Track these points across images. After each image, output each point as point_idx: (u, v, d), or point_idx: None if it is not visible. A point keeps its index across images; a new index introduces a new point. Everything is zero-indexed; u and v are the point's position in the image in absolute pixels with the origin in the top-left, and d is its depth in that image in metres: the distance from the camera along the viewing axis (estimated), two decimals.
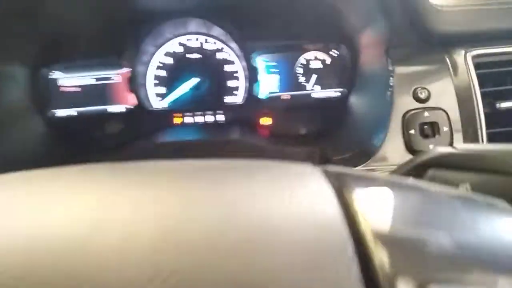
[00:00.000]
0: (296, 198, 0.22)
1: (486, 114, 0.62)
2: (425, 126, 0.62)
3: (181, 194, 0.21)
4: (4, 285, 0.16)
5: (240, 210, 0.20)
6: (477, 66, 0.65)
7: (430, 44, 0.67)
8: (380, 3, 0.66)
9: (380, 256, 0.18)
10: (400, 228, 0.21)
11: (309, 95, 0.91)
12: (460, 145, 0.36)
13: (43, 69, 0.88)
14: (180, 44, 0.90)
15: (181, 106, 0.90)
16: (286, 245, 0.18)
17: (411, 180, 0.25)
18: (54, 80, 0.88)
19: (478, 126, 0.62)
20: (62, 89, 0.90)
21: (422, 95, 0.63)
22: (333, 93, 0.90)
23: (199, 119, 0.90)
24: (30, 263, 0.17)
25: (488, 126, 0.62)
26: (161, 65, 0.90)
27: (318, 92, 0.90)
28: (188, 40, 0.90)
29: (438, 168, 0.36)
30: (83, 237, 0.18)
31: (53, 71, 0.89)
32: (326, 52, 0.90)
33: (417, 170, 0.37)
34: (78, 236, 0.18)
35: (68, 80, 0.89)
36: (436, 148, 0.37)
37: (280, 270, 0.17)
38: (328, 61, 0.90)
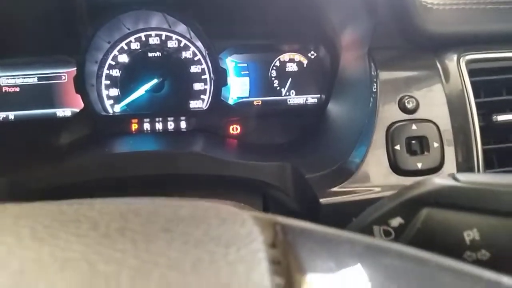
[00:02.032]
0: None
1: (481, 128, 0.54)
2: (413, 141, 0.54)
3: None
4: None
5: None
6: (471, 73, 0.57)
7: (419, 47, 0.59)
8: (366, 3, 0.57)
9: None
10: None
11: (283, 101, 0.82)
12: (465, 176, 0.27)
13: None
14: (138, 40, 0.79)
15: (138, 111, 0.79)
16: None
17: (394, 247, 0.16)
18: None
19: (473, 142, 0.53)
20: (4, 89, 0.79)
21: (410, 105, 0.55)
22: (310, 99, 0.81)
23: (159, 126, 0.79)
24: None
25: (483, 141, 0.54)
26: (114, 64, 0.79)
27: (293, 98, 0.81)
28: (147, 36, 0.79)
29: (436, 206, 0.27)
30: None
31: None
32: (304, 54, 0.81)
33: (408, 207, 0.28)
34: None
35: (8, 79, 0.78)
36: (433, 179, 0.28)
37: None
38: (305, 64, 0.81)
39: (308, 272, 0.15)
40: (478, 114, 0.56)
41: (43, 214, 0.19)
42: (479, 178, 0.28)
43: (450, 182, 0.27)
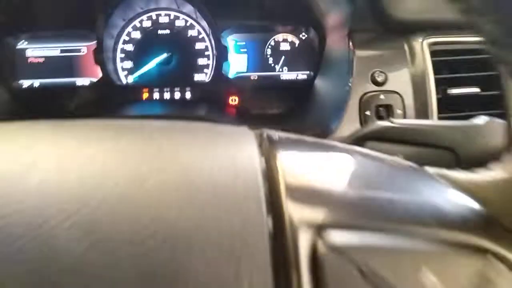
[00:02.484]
0: (221, 151, 0.23)
1: (438, 100, 0.66)
2: (380, 108, 0.65)
3: (111, 145, 0.23)
4: None
5: (164, 159, 0.22)
6: (433, 54, 0.68)
7: (390, 30, 0.70)
8: None
9: (289, 209, 0.20)
10: (313, 183, 0.22)
11: (277, 76, 0.92)
12: (397, 120, 0.39)
13: (9, 38, 0.86)
14: (149, 19, 0.89)
15: (148, 82, 0.90)
16: (203, 189, 0.20)
17: (337, 143, 0.27)
18: (22, 50, 0.87)
19: (430, 110, 0.65)
20: (30, 60, 0.89)
21: (380, 79, 0.66)
22: (300, 75, 0.92)
23: (167, 95, 0.90)
24: None
25: (439, 110, 0.65)
26: (128, 39, 0.89)
27: (285, 74, 0.92)
28: (157, 15, 0.89)
29: (376, 140, 0.39)
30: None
31: (22, 41, 0.87)
32: (296, 34, 0.91)
33: (358, 142, 0.40)
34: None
35: (34, 51, 0.88)
36: (376, 122, 0.40)
37: (194, 209, 0.19)
38: (297, 43, 0.92)
39: (281, 151, 0.25)
40: (437, 88, 0.67)
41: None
42: (407, 121, 0.39)
43: (387, 124, 0.38)
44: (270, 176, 0.21)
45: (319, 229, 0.19)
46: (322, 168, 0.24)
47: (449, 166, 0.37)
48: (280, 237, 0.19)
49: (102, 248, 0.16)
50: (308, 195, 0.21)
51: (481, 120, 0.38)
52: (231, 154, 0.23)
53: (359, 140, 0.39)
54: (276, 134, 0.28)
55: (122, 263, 0.16)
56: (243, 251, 0.17)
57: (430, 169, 0.26)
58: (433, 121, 0.38)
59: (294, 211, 0.20)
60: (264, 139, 0.26)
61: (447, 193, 0.23)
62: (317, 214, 0.20)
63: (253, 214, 0.19)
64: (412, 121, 0.38)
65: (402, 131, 0.38)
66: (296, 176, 0.22)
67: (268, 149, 0.24)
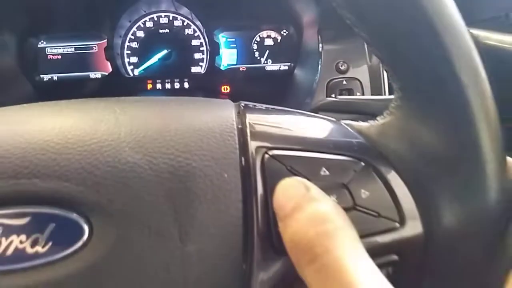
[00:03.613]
0: (205, 112, 0.29)
1: (389, 84, 0.81)
2: (343, 92, 0.80)
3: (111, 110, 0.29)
4: None
5: (154, 112, 0.29)
6: None
7: (351, 28, 0.84)
8: None
9: (251, 144, 0.27)
10: (266, 129, 0.36)
11: (262, 67, 1.06)
12: (340, 96, 0.54)
13: (31, 39, 1.00)
14: (152, 20, 1.04)
15: (152, 74, 1.05)
16: (188, 133, 0.26)
17: (293, 109, 0.41)
18: (43, 48, 1.01)
19: (382, 93, 0.80)
20: (49, 57, 1.03)
21: (343, 68, 0.81)
22: (282, 66, 1.06)
23: (168, 85, 1.05)
24: None
25: (390, 93, 0.81)
26: (133, 38, 1.03)
27: (270, 66, 1.06)
28: (158, 17, 1.04)
29: (326, 111, 0.54)
30: None
31: (42, 41, 1.01)
32: (278, 31, 1.05)
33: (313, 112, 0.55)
34: None
35: (53, 49, 1.02)
36: (326, 98, 0.55)
37: (185, 146, 0.29)
38: (279, 39, 1.05)
39: (251, 112, 0.39)
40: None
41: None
42: (346, 97, 0.54)
43: (332, 99, 0.54)
44: (241, 127, 0.28)
45: (267, 150, 0.27)
46: (275, 121, 0.38)
47: None
48: (246, 157, 0.26)
49: (146, 154, 0.30)
50: (263, 135, 0.29)
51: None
52: (213, 114, 0.29)
53: (314, 111, 0.54)
54: (251, 104, 0.42)
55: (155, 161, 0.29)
56: (224, 166, 0.25)
57: (344, 122, 0.40)
58: (364, 96, 0.52)
59: (254, 144, 0.27)
60: (241, 106, 0.32)
61: (347, 134, 0.37)
62: (267, 143, 0.32)
63: (230, 149, 0.27)
64: (349, 97, 0.53)
65: (343, 104, 0.52)
66: (257, 125, 0.29)
67: (242, 112, 0.31)
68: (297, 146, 0.30)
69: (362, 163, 0.29)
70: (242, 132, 0.28)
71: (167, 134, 0.26)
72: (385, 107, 0.34)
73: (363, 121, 0.38)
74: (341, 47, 0.83)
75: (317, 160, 0.29)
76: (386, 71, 0.29)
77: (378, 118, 0.32)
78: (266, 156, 0.27)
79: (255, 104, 0.35)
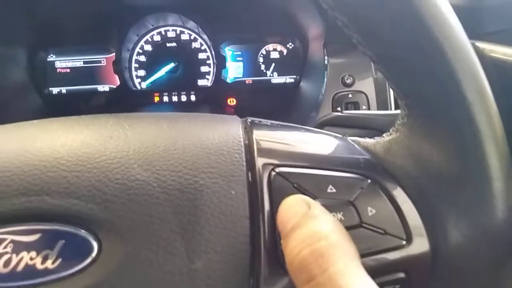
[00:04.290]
0: (212, 129, 0.29)
1: (394, 97, 0.81)
2: (349, 105, 0.80)
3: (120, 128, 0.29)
4: None
5: (162, 129, 0.29)
6: None
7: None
8: (317, 7, 0.83)
9: (258, 161, 0.27)
10: (273, 145, 0.37)
11: (268, 80, 1.07)
12: (346, 111, 0.54)
13: (41, 53, 1.02)
14: (159, 34, 1.05)
15: (159, 87, 1.06)
16: (196, 151, 0.27)
17: (298, 126, 0.41)
18: (52, 62, 1.03)
19: (388, 106, 0.81)
20: (58, 70, 1.04)
21: (348, 81, 0.81)
22: (288, 79, 1.07)
23: (175, 98, 1.06)
24: None
25: (395, 107, 0.81)
26: (141, 51, 1.05)
27: (275, 78, 1.07)
28: (166, 31, 1.05)
29: (332, 126, 0.54)
30: None
31: (52, 55, 1.03)
32: (284, 44, 1.06)
33: (318, 127, 0.55)
34: None
35: (61, 62, 1.04)
36: (332, 113, 0.55)
37: (192, 165, 0.29)
38: (285, 52, 1.06)
39: (257, 129, 0.39)
40: None
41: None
42: (352, 112, 0.54)
43: (338, 114, 0.54)
44: (248, 143, 0.28)
45: (274, 167, 0.28)
46: (282, 137, 0.39)
47: None
48: (253, 174, 0.26)
49: (154, 172, 0.31)
50: (270, 152, 0.29)
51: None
52: (220, 131, 0.29)
53: (320, 125, 0.54)
54: (257, 120, 0.42)
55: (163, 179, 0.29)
56: (231, 183, 0.25)
57: (350, 138, 0.41)
58: (371, 111, 0.52)
59: (261, 160, 0.27)
60: (248, 122, 0.32)
61: (354, 151, 0.37)
62: (273, 161, 0.28)
63: (237, 166, 0.27)
64: (355, 112, 0.54)
65: (349, 119, 0.53)
66: (264, 142, 0.29)
67: (249, 128, 0.30)
68: (304, 163, 0.30)
69: (369, 180, 0.29)
70: (249, 148, 0.28)
71: (175, 151, 0.27)
72: (391, 123, 0.34)
73: (369, 137, 0.38)
74: (347, 60, 0.84)
75: (324, 178, 0.29)
76: (392, 89, 0.29)
77: (384, 135, 0.32)
78: (273, 173, 0.28)
79: (261, 120, 0.35)
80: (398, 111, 0.31)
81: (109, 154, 0.26)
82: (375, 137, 0.37)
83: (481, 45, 0.52)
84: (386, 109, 0.81)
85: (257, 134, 0.30)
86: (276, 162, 0.28)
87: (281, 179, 0.27)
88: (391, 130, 0.31)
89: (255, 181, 0.26)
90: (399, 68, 0.28)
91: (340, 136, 0.39)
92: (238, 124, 0.31)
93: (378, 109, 0.81)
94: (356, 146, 0.35)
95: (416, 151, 0.29)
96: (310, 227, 0.23)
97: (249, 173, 0.27)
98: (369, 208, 0.27)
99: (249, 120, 0.33)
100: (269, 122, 0.36)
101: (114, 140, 0.27)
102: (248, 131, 0.30)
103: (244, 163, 0.27)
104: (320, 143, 0.34)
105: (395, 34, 0.26)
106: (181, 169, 0.26)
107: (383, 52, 0.28)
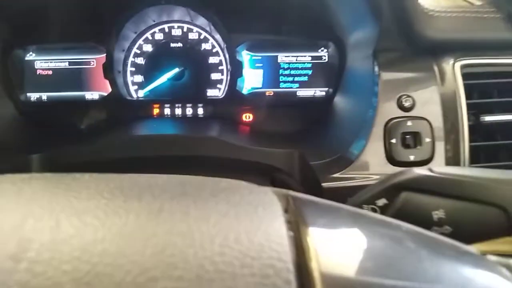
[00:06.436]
0: (246, 230, 0.20)
1: (469, 127, 0.60)
2: (407, 136, 0.60)
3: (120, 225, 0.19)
4: None
5: (183, 242, 0.18)
6: (465, 76, 0.63)
7: (418, 50, 0.65)
8: (369, 3, 0.63)
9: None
10: (352, 276, 0.19)
11: (293, 93, 0.88)
12: (438, 168, 0.34)
13: (17, 50, 0.84)
14: (162, 31, 0.86)
15: (159, 97, 0.87)
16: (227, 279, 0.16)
17: (376, 216, 0.23)
18: (31, 62, 0.84)
19: (461, 139, 0.60)
20: (38, 71, 0.86)
21: (407, 104, 0.61)
22: (318, 92, 0.87)
23: (178, 111, 0.87)
24: None
25: (471, 139, 0.60)
26: (139, 52, 0.86)
27: (302, 91, 0.88)
28: (170, 28, 0.86)
29: (413, 191, 0.34)
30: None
31: (30, 53, 0.84)
32: (315, 50, 0.87)
33: (391, 191, 0.35)
34: None
35: (42, 63, 0.85)
36: (413, 170, 0.35)
37: None
38: (316, 59, 0.87)
39: (311, 227, 0.21)
40: (469, 114, 0.62)
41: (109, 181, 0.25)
42: (449, 170, 0.34)
43: (425, 172, 0.34)
44: (302, 262, 0.19)
45: None
46: (360, 257, 0.20)
47: (499, 227, 0.32)
48: None
49: None
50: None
51: None
52: (257, 235, 0.20)
53: (393, 189, 0.34)
54: (303, 199, 0.24)
55: None
56: None
57: (493, 258, 0.21)
58: (479, 170, 0.34)
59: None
60: (291, 206, 0.22)
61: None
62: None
63: None
64: (454, 170, 0.33)
65: (443, 182, 0.33)
66: (334, 266, 0.19)
67: (296, 224, 0.21)
68: None
69: None
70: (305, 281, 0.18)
71: None
72: None
73: None
74: (405, 75, 0.63)
75: None
76: None
77: None
78: None
79: (312, 201, 0.25)
80: None
81: None
82: None
83: None
84: (457, 143, 0.60)
85: (316, 243, 0.20)
86: None
87: None
88: None
89: None
90: None
91: (472, 250, 0.21)
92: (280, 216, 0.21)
93: (447, 142, 0.60)
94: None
95: None
96: None
97: None
98: None
99: (291, 197, 0.24)
100: (325, 204, 0.26)
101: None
102: (295, 229, 0.21)
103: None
104: (437, 266, 0.20)
105: None
106: None
107: None
